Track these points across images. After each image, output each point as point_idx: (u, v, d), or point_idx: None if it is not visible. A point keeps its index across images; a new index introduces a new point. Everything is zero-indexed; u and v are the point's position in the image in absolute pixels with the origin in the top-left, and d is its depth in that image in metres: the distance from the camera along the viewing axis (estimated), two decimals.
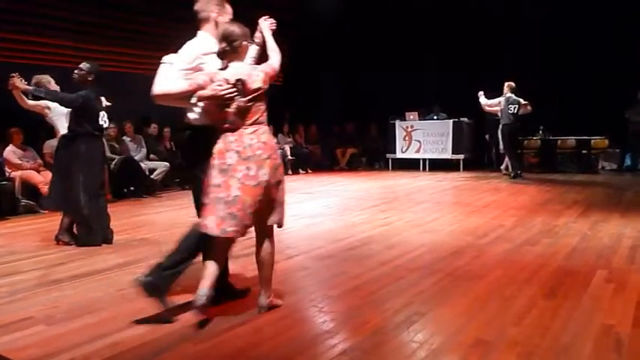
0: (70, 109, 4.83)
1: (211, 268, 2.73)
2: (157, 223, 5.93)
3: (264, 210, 2.77)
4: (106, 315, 2.92)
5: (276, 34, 2.99)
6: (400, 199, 7.43)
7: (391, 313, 2.85)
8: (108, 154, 7.80)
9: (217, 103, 2.71)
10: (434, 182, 9.42)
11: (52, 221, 5.31)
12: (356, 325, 2.69)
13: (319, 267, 3.92)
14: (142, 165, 8.50)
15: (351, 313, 2.88)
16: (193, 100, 2.78)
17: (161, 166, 8.79)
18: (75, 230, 4.87)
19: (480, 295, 3.12)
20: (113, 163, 8.08)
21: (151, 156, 9.02)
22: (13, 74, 4.77)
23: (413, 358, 2.31)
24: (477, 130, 11.54)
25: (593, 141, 10.58)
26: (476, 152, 11.71)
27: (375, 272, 3.66)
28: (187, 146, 3.05)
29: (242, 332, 2.64)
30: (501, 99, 9.46)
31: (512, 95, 9.38)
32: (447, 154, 11.39)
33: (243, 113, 2.71)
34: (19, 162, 7.18)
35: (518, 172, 9.52)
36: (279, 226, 2.89)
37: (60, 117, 5.01)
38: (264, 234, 2.87)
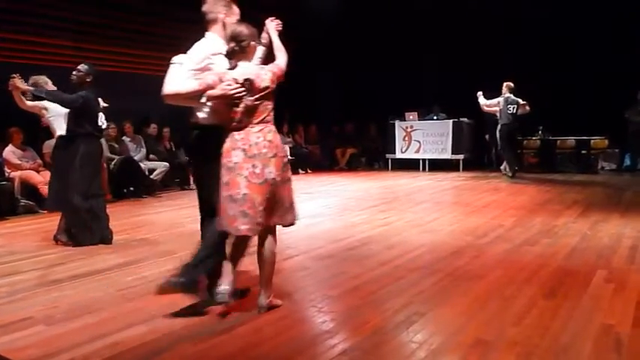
0: (68, 110, 4.83)
1: (229, 266, 2.83)
2: (157, 223, 5.94)
3: (270, 209, 2.79)
4: (106, 315, 2.92)
5: (281, 35, 3.01)
6: (400, 199, 7.43)
7: (391, 313, 2.86)
8: (108, 154, 7.83)
9: (226, 103, 2.75)
10: (433, 182, 9.42)
11: (51, 221, 5.31)
12: (356, 325, 2.69)
13: (319, 267, 3.92)
14: (142, 165, 8.50)
15: (351, 313, 2.89)
16: (203, 99, 2.81)
17: (161, 166, 8.79)
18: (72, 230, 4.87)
19: (479, 295, 3.12)
20: (113, 163, 8.07)
21: (151, 156, 9.02)
22: (14, 75, 4.77)
23: (412, 358, 2.31)
24: (476, 130, 11.54)
25: (592, 141, 10.58)
26: (475, 152, 11.71)
27: (375, 272, 3.66)
28: (196, 145, 3.07)
29: (242, 332, 2.65)
30: (500, 99, 9.46)
31: (511, 95, 9.38)
32: (447, 155, 11.38)
33: (250, 112, 2.74)
34: (19, 162, 7.19)
35: (516, 168, 9.56)
36: (292, 224, 2.93)
37: (58, 118, 5.00)
38: (267, 233, 2.88)
